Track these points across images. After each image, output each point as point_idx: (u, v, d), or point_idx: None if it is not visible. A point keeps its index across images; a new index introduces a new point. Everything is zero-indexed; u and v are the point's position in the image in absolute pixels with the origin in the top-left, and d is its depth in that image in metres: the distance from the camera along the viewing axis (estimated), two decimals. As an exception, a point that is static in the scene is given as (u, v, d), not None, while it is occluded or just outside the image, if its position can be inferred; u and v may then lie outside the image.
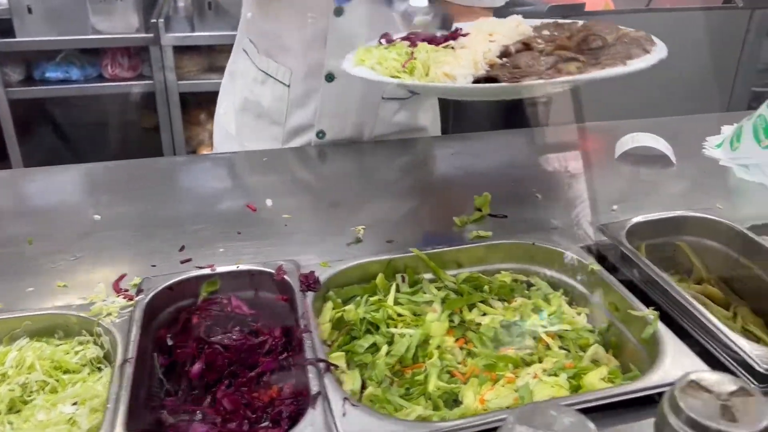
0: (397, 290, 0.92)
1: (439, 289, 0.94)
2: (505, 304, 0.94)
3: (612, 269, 0.95)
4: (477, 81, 0.88)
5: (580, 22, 1.09)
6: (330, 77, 1.29)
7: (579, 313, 0.92)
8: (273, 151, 1.33)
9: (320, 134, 1.36)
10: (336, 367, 0.75)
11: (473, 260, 0.98)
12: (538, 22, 1.12)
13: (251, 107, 1.39)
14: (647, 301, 0.86)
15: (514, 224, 1.08)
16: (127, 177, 1.26)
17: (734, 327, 0.93)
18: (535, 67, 0.90)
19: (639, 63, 0.89)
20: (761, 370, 0.73)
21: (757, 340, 0.92)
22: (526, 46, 0.97)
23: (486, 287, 0.95)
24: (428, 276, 0.96)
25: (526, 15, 1.10)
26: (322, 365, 0.72)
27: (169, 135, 3.12)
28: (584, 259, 0.94)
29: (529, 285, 0.98)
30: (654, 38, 0.99)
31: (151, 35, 2.91)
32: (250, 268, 0.88)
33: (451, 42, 0.97)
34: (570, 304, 0.95)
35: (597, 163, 1.32)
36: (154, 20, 2.89)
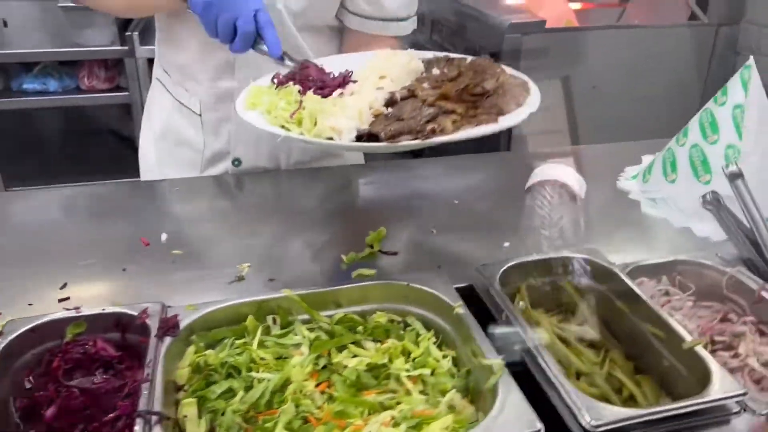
0: (268, 333, 0.94)
1: (311, 330, 0.95)
2: (378, 345, 0.96)
3: (486, 312, 0.96)
4: (360, 136, 0.95)
5: (469, 59, 1.15)
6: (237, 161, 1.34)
7: (446, 356, 0.93)
8: (186, 180, 1.35)
9: (236, 162, 1.38)
10: (168, 418, 0.77)
11: (351, 300, 0.99)
12: (430, 55, 1.19)
13: (170, 136, 1.41)
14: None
15: (402, 261, 1.09)
16: (25, 207, 1.29)
17: (597, 373, 0.94)
18: (416, 118, 0.97)
19: (508, 120, 0.97)
20: (585, 425, 0.74)
21: (620, 386, 0.93)
22: (411, 93, 1.04)
23: (360, 328, 0.97)
24: (306, 317, 0.97)
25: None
26: (154, 417, 0.74)
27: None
28: (453, 301, 0.95)
29: (406, 325, 0.99)
30: (531, 85, 1.05)
31: (126, 48, 2.95)
32: (116, 311, 0.90)
33: (340, 90, 1.03)
34: (440, 346, 0.96)
35: (507, 195, 1.33)
36: (129, 33, 2.93)
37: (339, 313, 0.97)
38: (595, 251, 1.05)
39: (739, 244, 1.09)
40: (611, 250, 1.13)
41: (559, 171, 1.32)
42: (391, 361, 0.92)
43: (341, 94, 1.03)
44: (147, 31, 3.06)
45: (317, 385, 0.88)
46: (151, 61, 2.96)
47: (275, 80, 1.08)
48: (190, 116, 1.36)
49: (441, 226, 1.18)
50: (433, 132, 0.94)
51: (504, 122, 0.96)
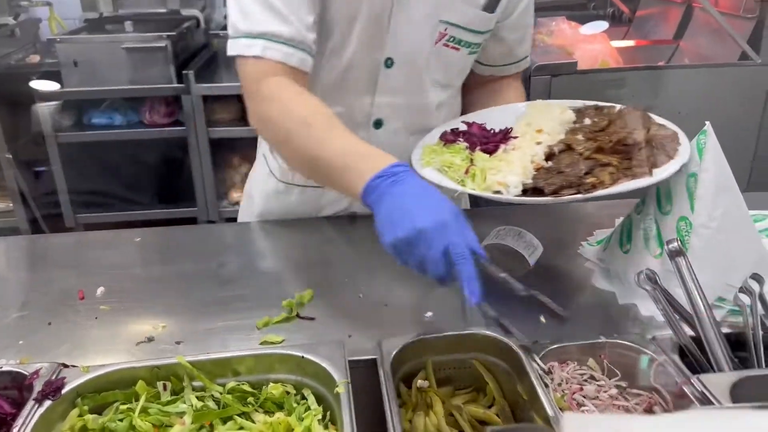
0: (159, 398, 0.96)
1: (201, 399, 0.96)
2: (267, 417, 0.95)
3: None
4: (525, 190, 1.06)
5: (618, 107, 1.26)
6: None
7: (328, 436, 0.91)
8: (148, 232, 1.40)
9: None
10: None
11: (250, 369, 0.99)
12: (580, 104, 1.31)
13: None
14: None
15: (318, 327, 1.08)
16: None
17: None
18: (575, 171, 1.07)
19: (662, 172, 1.04)
20: None
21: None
22: (568, 146, 1.15)
23: (250, 399, 0.97)
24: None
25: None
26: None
27: (200, 177, 3.31)
28: (340, 377, 0.93)
29: (303, 397, 0.98)
30: (680, 136, 1.12)
31: (183, 85, 3.12)
32: (11, 369, 0.95)
33: (503, 146, 1.17)
34: (331, 422, 0.94)
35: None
36: (186, 72, 3.09)
37: (232, 382, 0.98)
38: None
39: (676, 328, 1.00)
40: (541, 326, 1.07)
41: (512, 234, 1.27)
42: (273, 436, 0.92)
43: (504, 149, 1.16)
44: (203, 70, 3.22)
45: (193, 457, 0.89)
46: (208, 98, 3.14)
47: (443, 138, 1.25)
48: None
49: (372, 290, 1.16)
50: (593, 186, 1.03)
51: (658, 175, 1.03)
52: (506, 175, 1.07)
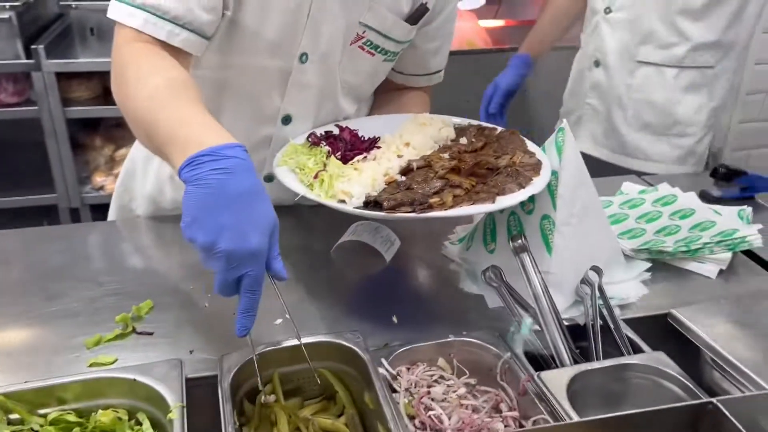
0: (-33, 436, 0.86)
1: (19, 432, 0.87)
2: (96, 448, 0.88)
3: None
4: (368, 202, 1.04)
5: (499, 129, 1.29)
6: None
7: (164, 464, 0.85)
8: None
9: None
10: None
11: (77, 396, 0.91)
12: (466, 122, 1.33)
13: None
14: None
15: (158, 343, 1.01)
16: None
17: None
18: (423, 189, 1.06)
19: (504, 201, 1.04)
20: None
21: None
22: (427, 163, 1.14)
23: (76, 430, 0.89)
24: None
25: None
26: None
27: (58, 161, 3.06)
28: (174, 401, 0.87)
29: (138, 422, 0.91)
30: (543, 167, 1.11)
31: (32, 61, 2.85)
32: None
33: (364, 154, 1.17)
34: (169, 448, 0.88)
35: (318, 255, 1.25)
36: (35, 46, 2.82)
37: (55, 412, 0.89)
38: (356, 335, 0.97)
39: (519, 323, 1.01)
40: (392, 328, 1.06)
41: (369, 230, 1.24)
42: (102, 468, 0.84)
43: (365, 157, 1.15)
44: (56, 44, 2.96)
45: (6, 502, 0.81)
46: (59, 75, 2.89)
47: (310, 139, 1.22)
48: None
49: (218, 299, 1.08)
50: (430, 207, 1.02)
51: (500, 202, 1.03)
52: (352, 184, 1.05)
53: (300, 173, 1.12)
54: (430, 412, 0.92)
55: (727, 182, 1.45)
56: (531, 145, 1.22)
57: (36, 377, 0.92)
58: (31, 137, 3.13)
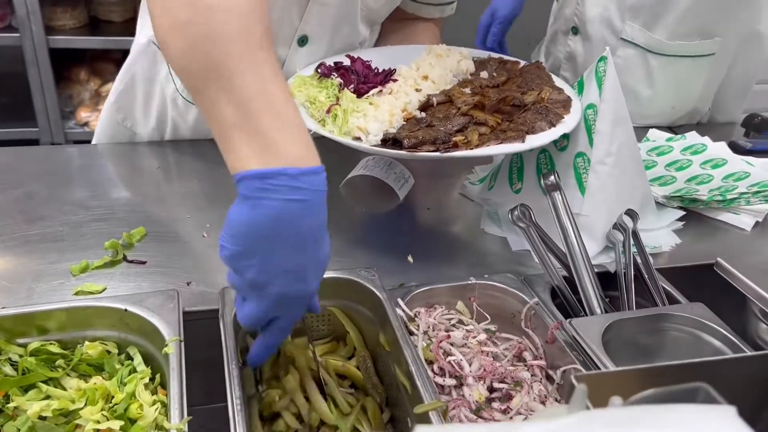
0: (-62, 364, 0.77)
1: (-3, 363, 0.78)
2: (81, 383, 0.79)
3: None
4: (386, 139, 0.95)
5: (523, 63, 1.19)
6: None
7: (156, 402, 0.77)
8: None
9: None
10: None
11: (61, 326, 0.82)
12: (485, 55, 1.23)
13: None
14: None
15: (150, 273, 0.92)
16: None
17: (341, 426, 0.78)
18: (446, 126, 0.97)
19: (535, 140, 0.95)
20: None
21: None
22: (448, 98, 1.05)
23: (60, 362, 0.80)
24: None
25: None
26: None
27: (40, 93, 2.91)
28: (170, 334, 0.79)
29: (129, 357, 0.83)
30: (573, 103, 1.03)
31: (13, -20, 2.67)
32: None
33: (379, 87, 1.05)
34: (162, 385, 0.80)
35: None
36: (17, -36, 2.64)
37: (37, 342, 0.80)
38: (371, 272, 0.88)
39: (548, 269, 0.93)
40: (408, 268, 0.97)
41: (381, 165, 1.15)
42: (89, 404, 0.76)
43: (380, 91, 1.04)
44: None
45: (-20, 436, 0.72)
46: (43, 1, 2.71)
47: (319, 70, 1.10)
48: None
49: (219, 228, 1.00)
50: (455, 145, 0.93)
51: (530, 142, 0.95)
52: (369, 120, 0.96)
53: (310, 107, 1.03)
54: (450, 358, 0.84)
55: (759, 133, 1.37)
56: (558, 81, 1.13)
57: (15, 304, 0.83)
58: (12, 67, 2.97)
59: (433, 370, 0.84)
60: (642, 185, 1.07)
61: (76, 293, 0.86)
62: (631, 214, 1.00)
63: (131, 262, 0.93)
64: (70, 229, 0.98)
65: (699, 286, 0.98)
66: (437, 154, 0.93)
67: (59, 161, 1.20)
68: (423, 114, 1.02)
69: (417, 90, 1.06)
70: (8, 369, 0.78)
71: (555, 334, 0.85)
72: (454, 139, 0.94)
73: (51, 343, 0.80)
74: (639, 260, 0.97)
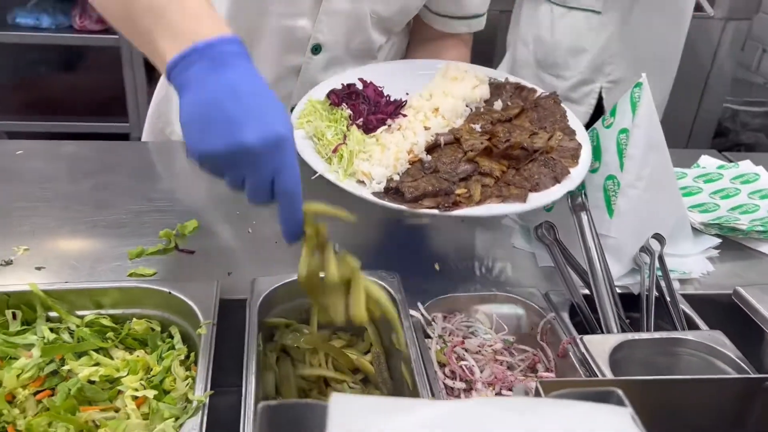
0: (6, 328, 0.88)
1: (55, 331, 0.89)
2: (126, 355, 0.89)
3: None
4: (388, 188, 0.94)
5: (539, 92, 1.15)
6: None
7: (189, 378, 0.85)
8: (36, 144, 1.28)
9: None
10: None
11: (114, 302, 0.92)
12: (502, 77, 1.19)
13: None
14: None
15: (197, 262, 1.01)
16: None
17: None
18: (451, 174, 0.95)
19: (536, 200, 0.94)
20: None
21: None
22: (456, 139, 1.01)
23: (110, 334, 0.90)
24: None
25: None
26: None
27: (133, 90, 3.13)
28: (206, 318, 0.87)
29: (171, 335, 0.92)
30: (582, 152, 1.02)
31: (117, -12, 2.89)
32: None
33: (388, 122, 1.04)
34: (196, 363, 0.88)
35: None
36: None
37: (92, 315, 0.91)
38: (391, 274, 0.94)
39: (569, 285, 0.96)
40: (433, 276, 1.02)
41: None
42: (129, 374, 0.85)
43: (389, 126, 1.03)
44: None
45: (37, 393, 0.82)
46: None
47: (330, 97, 1.08)
48: None
49: (263, 225, 1.09)
50: (455, 203, 0.92)
51: (532, 202, 0.94)
52: (374, 165, 0.95)
53: (318, 143, 1.01)
54: (462, 362, 0.89)
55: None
56: (572, 119, 1.10)
57: (78, 281, 0.93)
58: (110, 66, 3.21)
59: (444, 373, 0.88)
60: (676, 210, 1.07)
61: (130, 275, 0.96)
62: (658, 237, 1.01)
63: (181, 251, 1.02)
64: (131, 218, 1.08)
65: (724, 314, 0.98)
66: (436, 212, 0.92)
67: (133, 155, 1.32)
68: (429, 157, 0.99)
69: (426, 128, 1.03)
70: (66, 336, 0.88)
71: (566, 348, 0.88)
72: (456, 191, 0.93)
73: (104, 317, 0.90)
74: (663, 284, 0.98)
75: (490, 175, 0.96)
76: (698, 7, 2.49)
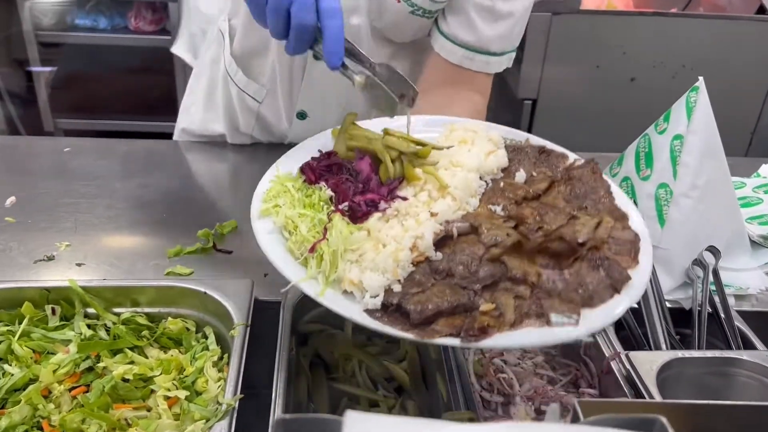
0: (46, 322, 0.89)
1: (92, 327, 0.89)
2: (161, 354, 0.89)
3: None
4: (387, 305, 0.68)
5: (572, 158, 0.86)
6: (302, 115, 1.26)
7: (221, 380, 0.84)
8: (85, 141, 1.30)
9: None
10: None
11: (151, 300, 0.92)
12: (522, 137, 0.90)
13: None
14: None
15: (235, 262, 1.00)
16: None
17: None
18: (470, 280, 0.69)
19: (592, 319, 0.65)
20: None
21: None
22: (474, 229, 0.74)
23: (145, 333, 0.90)
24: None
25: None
26: None
27: (183, 91, 3.18)
28: (240, 319, 0.86)
29: (205, 336, 0.91)
30: (643, 244, 0.73)
31: (171, -10, 2.95)
32: None
33: (384, 206, 0.76)
34: (227, 364, 0.87)
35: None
36: (175, -24, 2.92)
37: (128, 312, 0.91)
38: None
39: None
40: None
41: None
42: (163, 374, 0.85)
43: (384, 211, 0.76)
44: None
45: (72, 389, 0.83)
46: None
47: (304, 174, 0.82)
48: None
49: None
50: (482, 331, 0.64)
51: (587, 324, 0.65)
52: (366, 270, 0.70)
53: (289, 239, 0.75)
54: (500, 375, 0.86)
55: None
56: (619, 195, 0.80)
57: (116, 278, 0.94)
58: (162, 66, 3.28)
59: (482, 385, 0.85)
60: (733, 222, 1.02)
61: (167, 273, 0.96)
62: (712, 250, 0.96)
63: (219, 251, 1.02)
64: (171, 217, 1.09)
65: (783, 334, 0.92)
66: (457, 342, 0.65)
67: (176, 155, 1.33)
68: (439, 255, 0.72)
69: (432, 213, 0.75)
70: (103, 333, 0.88)
71: (611, 365, 0.84)
72: (481, 308, 0.66)
73: (140, 315, 0.90)
74: (717, 299, 0.93)
75: (525, 282, 0.68)
76: (761, 10, 2.39)
